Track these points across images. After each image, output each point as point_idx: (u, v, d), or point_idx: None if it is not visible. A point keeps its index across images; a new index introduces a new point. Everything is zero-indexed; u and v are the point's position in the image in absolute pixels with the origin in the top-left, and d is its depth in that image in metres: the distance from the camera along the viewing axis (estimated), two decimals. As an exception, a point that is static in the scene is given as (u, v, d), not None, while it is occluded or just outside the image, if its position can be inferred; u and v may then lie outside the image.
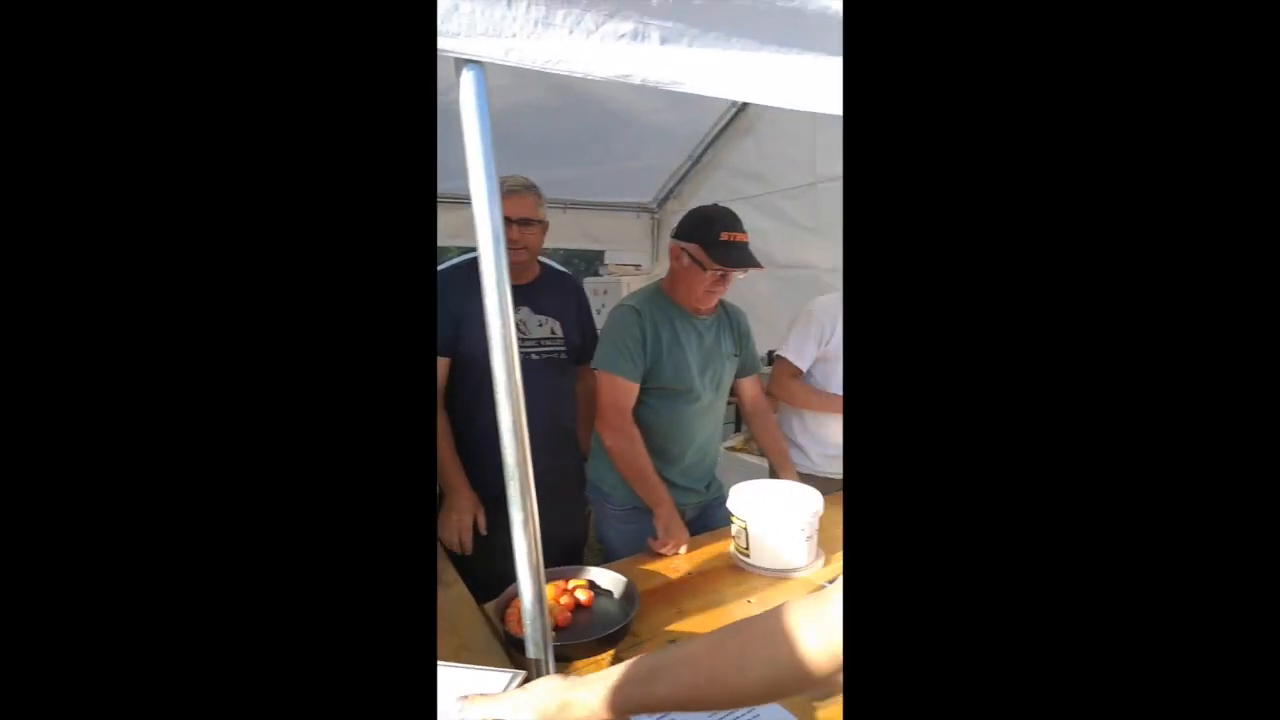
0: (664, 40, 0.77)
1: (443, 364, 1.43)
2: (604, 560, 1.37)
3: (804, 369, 1.72)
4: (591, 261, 3.46)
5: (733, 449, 2.23)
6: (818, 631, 0.47)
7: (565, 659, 0.93)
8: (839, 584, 0.46)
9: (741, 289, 1.71)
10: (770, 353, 3.00)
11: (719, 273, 1.34)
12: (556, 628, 1.00)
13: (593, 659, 0.94)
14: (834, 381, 1.74)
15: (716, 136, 2.80)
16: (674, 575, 1.23)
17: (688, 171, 3.05)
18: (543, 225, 1.47)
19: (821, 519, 1.25)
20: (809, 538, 1.21)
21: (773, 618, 0.50)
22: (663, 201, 3.29)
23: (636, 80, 0.77)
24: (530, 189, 1.44)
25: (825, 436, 1.79)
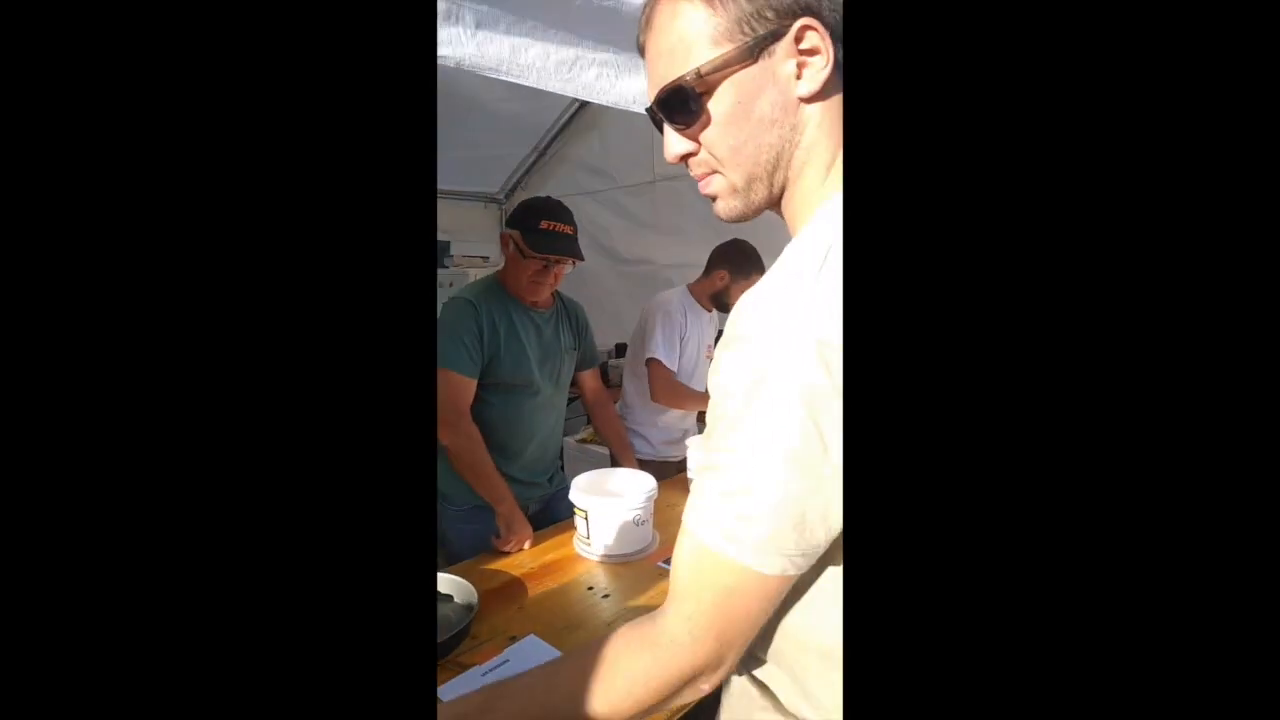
0: (479, 24, 0.75)
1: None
2: (447, 563, 1.32)
3: (675, 368, 1.80)
4: (438, 253, 3.28)
5: (583, 441, 2.26)
6: (652, 656, 0.46)
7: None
8: (663, 606, 0.47)
9: (588, 283, 1.73)
10: (618, 345, 3.09)
11: (541, 262, 1.34)
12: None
13: (425, 667, 0.90)
14: (685, 375, 1.84)
15: (562, 129, 2.79)
16: (518, 571, 1.22)
17: (534, 163, 3.02)
18: None
19: (657, 501, 1.32)
20: (644, 521, 1.27)
21: (605, 644, 0.49)
22: (510, 192, 3.21)
23: (450, 63, 0.74)
24: None
25: (666, 423, 1.89)
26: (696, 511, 0.46)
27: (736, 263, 1.79)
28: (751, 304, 0.45)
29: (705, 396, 1.52)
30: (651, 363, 1.77)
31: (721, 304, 1.84)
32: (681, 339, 1.82)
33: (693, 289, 1.87)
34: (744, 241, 1.82)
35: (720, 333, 2.01)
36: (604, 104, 0.85)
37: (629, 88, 0.86)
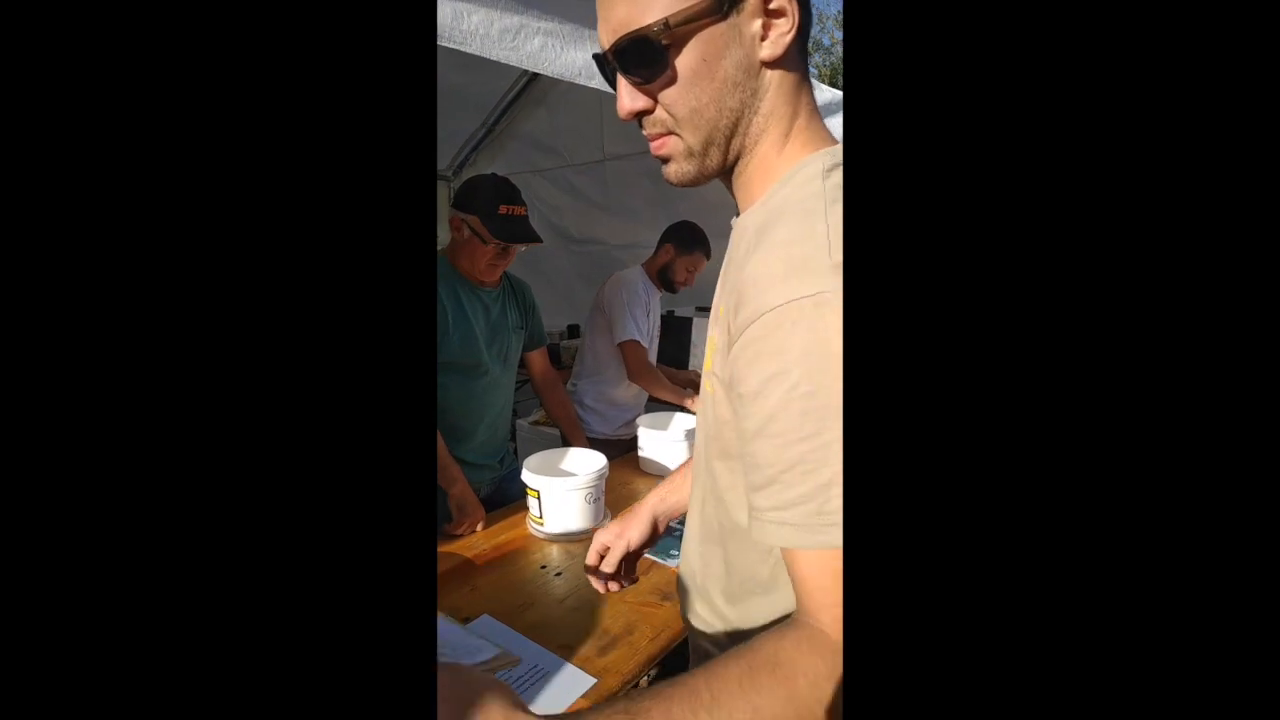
0: (418, -13, 0.71)
1: None
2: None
3: (647, 344, 1.83)
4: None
5: (535, 423, 2.24)
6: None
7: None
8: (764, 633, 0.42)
9: (539, 263, 1.70)
10: (570, 326, 3.06)
11: (499, 246, 1.32)
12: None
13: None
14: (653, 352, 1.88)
15: (510, 104, 2.72)
16: (470, 553, 1.21)
17: (482, 139, 2.93)
18: None
19: (609, 479, 1.33)
20: (596, 500, 1.27)
21: (760, 653, 0.40)
22: (459, 169, 3.11)
23: (388, 27, 0.71)
24: None
25: (617, 399, 1.90)
26: (807, 514, 0.41)
27: (682, 239, 1.83)
28: (777, 310, 0.41)
29: (675, 389, 1.50)
30: (628, 344, 1.79)
31: (666, 281, 1.87)
32: (649, 312, 1.85)
33: (646, 267, 1.90)
34: (693, 223, 1.85)
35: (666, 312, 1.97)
36: (549, 75, 0.83)
37: (576, 59, 0.84)
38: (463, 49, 0.75)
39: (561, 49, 0.83)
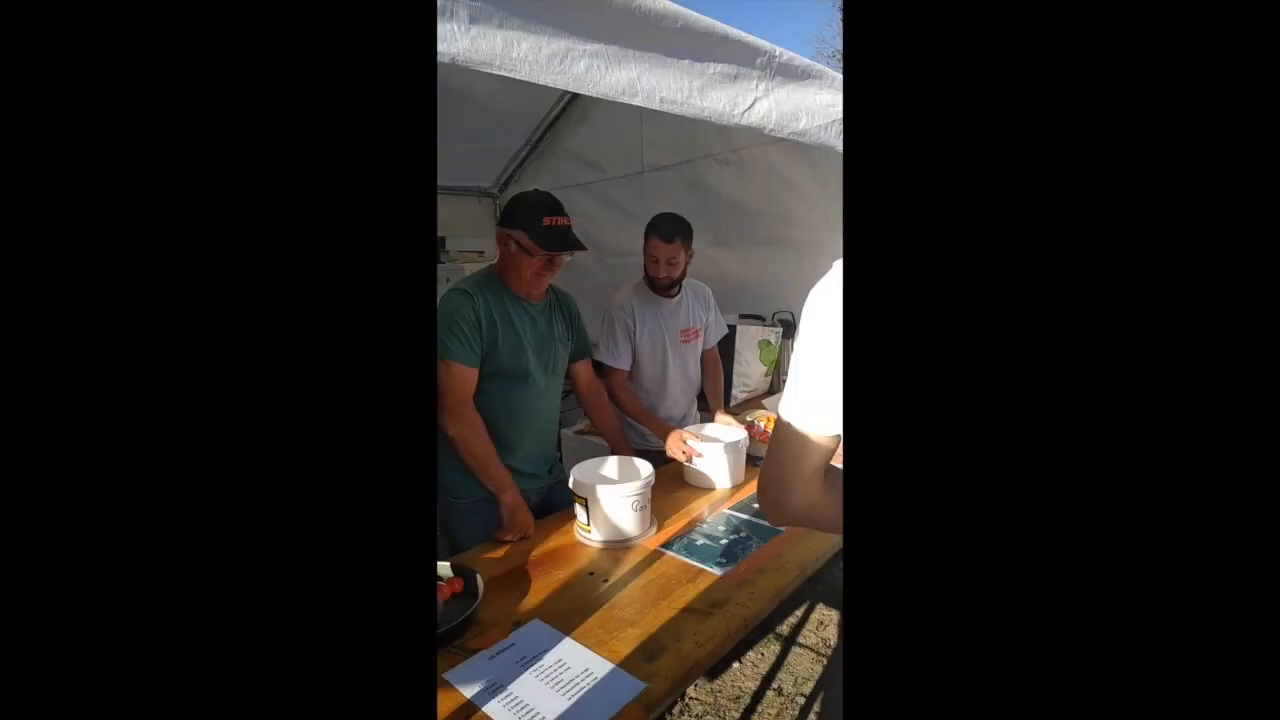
0: (473, 20, 0.76)
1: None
2: (451, 554, 1.34)
3: (625, 367, 1.79)
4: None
5: (580, 432, 2.27)
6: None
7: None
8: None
9: (575, 275, 1.73)
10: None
11: (546, 257, 1.36)
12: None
13: (438, 652, 0.93)
14: (654, 371, 1.83)
15: (553, 121, 2.79)
16: (520, 560, 1.24)
17: (526, 156, 3.02)
18: None
19: (654, 488, 1.34)
20: (642, 508, 1.29)
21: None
22: (503, 186, 3.21)
23: (446, 59, 0.75)
24: None
25: (658, 411, 1.91)
26: None
27: (645, 235, 1.75)
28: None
29: (650, 417, 1.44)
30: (605, 369, 1.74)
31: (652, 283, 1.78)
32: (633, 335, 1.78)
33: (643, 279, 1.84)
34: (659, 214, 1.77)
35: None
36: (596, 95, 0.87)
37: (621, 78, 0.87)
38: (514, 75, 0.79)
39: (606, 69, 0.86)
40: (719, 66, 1.02)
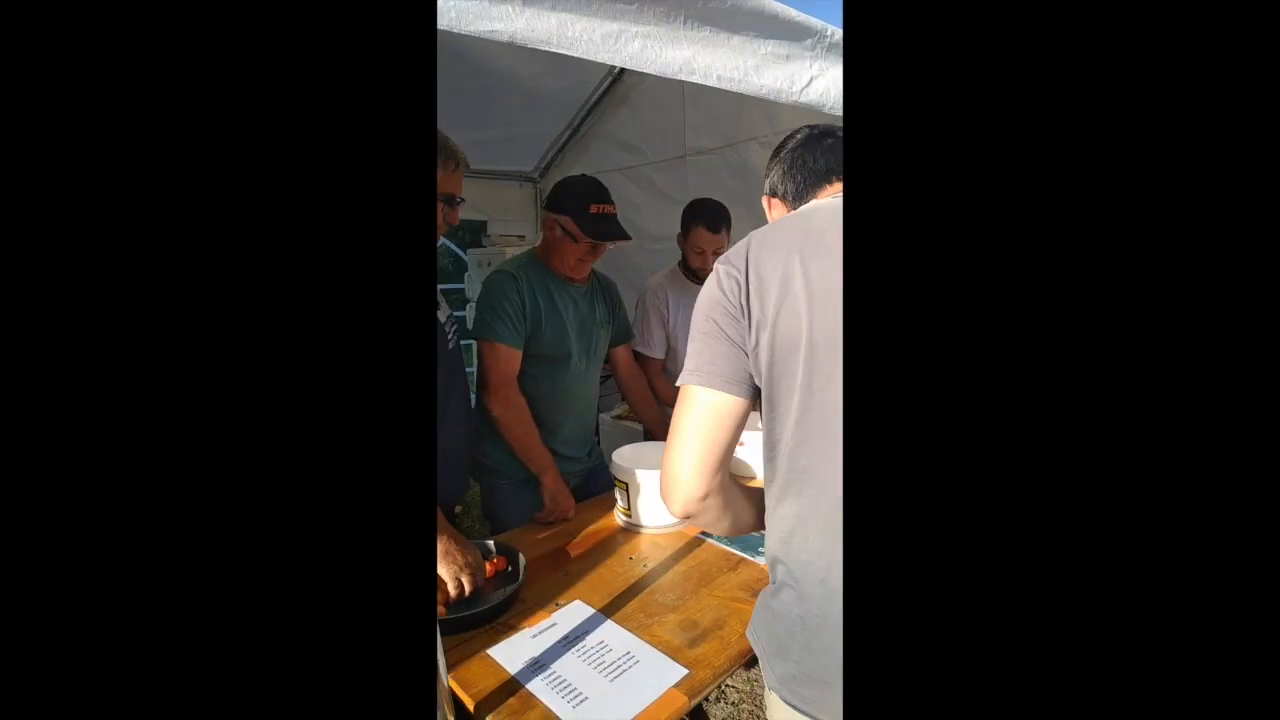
0: (526, 2, 0.75)
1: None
2: (494, 534, 1.37)
3: (660, 356, 1.77)
4: (475, 232, 3.32)
5: (618, 418, 2.28)
6: None
7: (455, 631, 0.93)
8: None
9: (616, 260, 1.72)
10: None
11: (590, 244, 1.36)
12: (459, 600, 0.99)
13: (482, 628, 0.95)
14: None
15: (595, 105, 2.77)
16: (561, 541, 1.25)
17: (568, 141, 3.01)
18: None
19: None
20: (686, 493, 1.28)
21: None
22: (544, 171, 3.22)
23: (504, 38, 0.75)
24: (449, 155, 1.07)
25: None
26: None
27: (683, 223, 1.71)
28: None
29: (654, 412, 1.61)
30: (638, 355, 1.73)
31: (690, 272, 1.75)
32: (666, 323, 1.76)
33: (679, 265, 1.82)
34: (700, 199, 1.72)
35: None
36: (652, 73, 0.86)
37: (676, 57, 0.85)
38: (570, 53, 0.78)
39: (661, 49, 0.85)
40: (771, 45, 0.99)
